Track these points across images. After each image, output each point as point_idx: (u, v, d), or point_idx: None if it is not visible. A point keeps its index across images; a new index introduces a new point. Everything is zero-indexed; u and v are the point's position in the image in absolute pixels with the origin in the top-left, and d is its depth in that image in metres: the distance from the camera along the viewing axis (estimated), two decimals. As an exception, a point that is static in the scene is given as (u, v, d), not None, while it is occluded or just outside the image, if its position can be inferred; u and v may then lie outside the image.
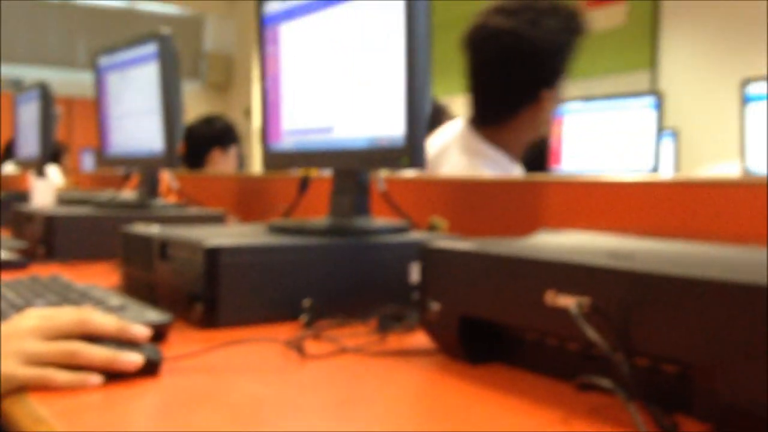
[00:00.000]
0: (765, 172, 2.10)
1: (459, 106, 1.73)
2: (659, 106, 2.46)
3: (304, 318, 0.88)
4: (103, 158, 1.89)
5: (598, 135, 2.68)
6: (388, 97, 0.94)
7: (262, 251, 0.91)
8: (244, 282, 0.89)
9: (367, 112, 0.99)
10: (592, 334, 0.55)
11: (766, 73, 2.29)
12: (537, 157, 3.55)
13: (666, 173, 3.43)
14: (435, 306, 0.73)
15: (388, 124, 0.95)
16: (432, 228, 1.14)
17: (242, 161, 3.27)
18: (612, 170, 2.62)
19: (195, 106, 7.66)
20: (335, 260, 0.95)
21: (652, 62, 6.55)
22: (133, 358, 0.66)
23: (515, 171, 1.51)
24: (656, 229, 1.01)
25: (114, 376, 0.65)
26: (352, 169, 1.04)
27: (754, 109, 2.09)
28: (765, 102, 2.06)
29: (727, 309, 0.50)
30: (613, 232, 0.77)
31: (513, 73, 1.42)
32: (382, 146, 0.96)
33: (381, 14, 0.95)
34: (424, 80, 0.92)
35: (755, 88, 2.09)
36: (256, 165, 6.70)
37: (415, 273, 0.95)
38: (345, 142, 1.03)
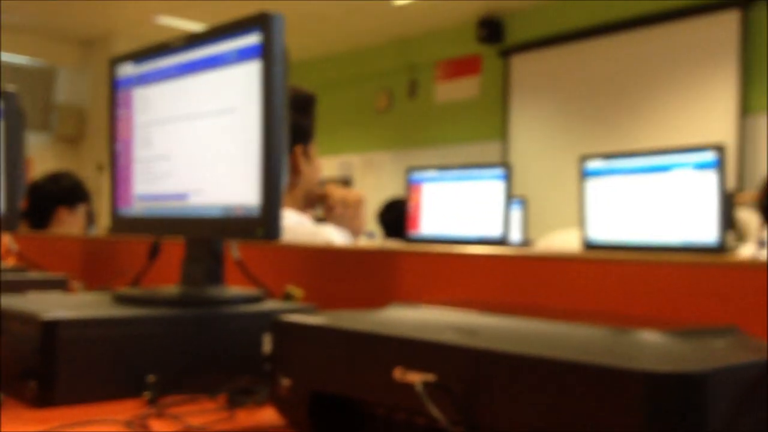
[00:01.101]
0: (602, 241, 2.25)
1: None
2: (507, 177, 2.60)
3: (147, 395, 0.84)
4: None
5: (453, 202, 2.80)
6: (243, 165, 0.94)
7: (105, 324, 0.86)
8: (84, 357, 0.84)
9: (222, 180, 0.98)
10: (434, 411, 0.56)
11: (601, 151, 2.48)
12: (396, 221, 3.65)
13: (514, 239, 3.59)
14: (285, 381, 0.72)
15: (243, 194, 0.94)
16: (287, 297, 1.13)
17: (93, 219, 3.13)
18: (466, 236, 2.73)
19: (45, 159, 7.31)
20: (185, 332, 0.91)
21: (503, 134, 6.93)
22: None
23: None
24: (506, 299, 1.05)
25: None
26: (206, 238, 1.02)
27: (592, 184, 2.24)
28: (600, 177, 2.23)
29: (562, 386, 0.52)
30: (463, 305, 0.79)
31: None
32: (237, 216, 0.95)
33: (237, 81, 0.95)
34: (280, 149, 0.92)
35: (592, 164, 2.25)
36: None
37: (268, 344, 0.93)
38: (199, 210, 1.01)
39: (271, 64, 0.90)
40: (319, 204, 1.72)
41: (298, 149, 1.64)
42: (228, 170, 0.97)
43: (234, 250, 1.08)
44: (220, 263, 1.03)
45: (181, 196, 1.04)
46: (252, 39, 0.92)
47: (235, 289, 1.04)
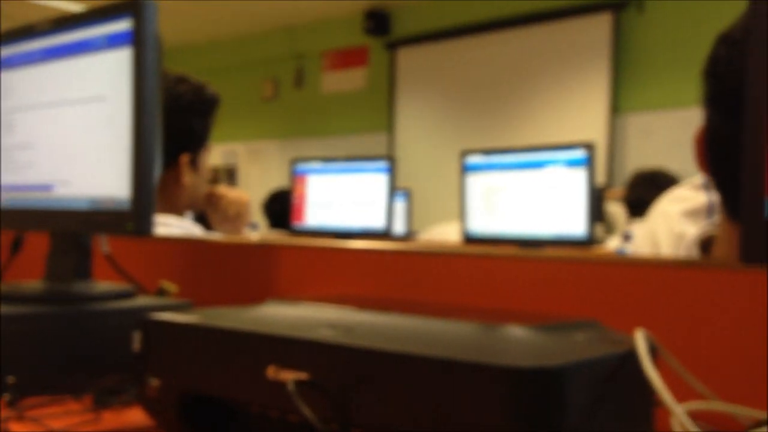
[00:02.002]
0: (480, 234, 2.32)
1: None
2: (391, 170, 2.63)
3: (6, 396, 0.79)
4: None
5: (338, 194, 2.81)
6: (113, 157, 0.90)
7: (-42, 323, 0.81)
8: (-66, 359, 0.79)
9: (90, 171, 0.93)
10: (306, 410, 0.56)
11: (483, 145, 2.55)
12: (281, 212, 3.62)
13: (398, 231, 3.64)
14: (154, 382, 0.70)
15: (113, 186, 0.90)
16: (161, 293, 1.10)
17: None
18: (350, 227, 2.74)
19: None
20: (49, 330, 0.87)
21: (389, 126, 7.00)
22: None
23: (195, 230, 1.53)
24: (386, 294, 1.06)
25: None
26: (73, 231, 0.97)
27: (472, 178, 2.30)
28: (480, 172, 2.29)
29: (430, 382, 0.53)
30: (341, 301, 0.79)
31: None
32: (106, 209, 0.91)
33: (106, 68, 0.91)
34: (152, 140, 0.89)
35: (472, 159, 2.31)
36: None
37: (138, 342, 0.90)
38: (65, 203, 0.96)
39: (143, 51, 0.87)
40: (206, 204, 1.67)
41: (184, 159, 1.51)
42: (96, 161, 0.93)
43: (103, 244, 1.04)
44: (87, 258, 0.99)
45: (46, 188, 0.99)
46: (123, 25, 0.89)
47: (104, 284, 1.00)
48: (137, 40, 0.88)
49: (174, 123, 1.47)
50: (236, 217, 1.67)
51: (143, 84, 0.87)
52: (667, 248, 1.13)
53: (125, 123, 0.88)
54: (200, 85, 1.55)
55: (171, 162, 1.50)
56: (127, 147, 0.88)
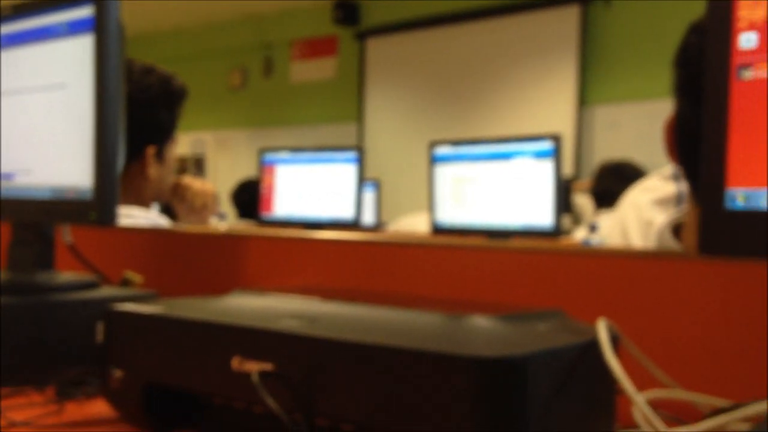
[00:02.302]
0: (449, 224, 2.32)
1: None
2: (360, 160, 2.63)
3: (-34, 390, 0.78)
4: None
5: (307, 184, 2.80)
6: (75, 145, 0.89)
7: None
8: None
9: (52, 160, 0.92)
10: (270, 401, 0.56)
11: (452, 136, 2.55)
12: (249, 202, 3.60)
13: (367, 222, 3.64)
14: (117, 373, 0.69)
15: (75, 175, 0.89)
16: (125, 284, 1.08)
17: None
18: (319, 218, 2.74)
19: None
20: (10, 321, 0.86)
21: (359, 116, 6.98)
22: None
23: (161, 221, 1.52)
24: (353, 285, 1.06)
25: None
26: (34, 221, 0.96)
27: (440, 169, 2.31)
28: (448, 163, 2.30)
29: (395, 373, 0.53)
30: (307, 292, 0.79)
31: None
32: (69, 198, 0.90)
33: (68, 55, 0.89)
34: (115, 128, 0.87)
35: (441, 150, 2.31)
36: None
37: (102, 333, 0.89)
38: (26, 192, 0.94)
39: (105, 39, 0.85)
40: (172, 195, 1.65)
41: (150, 150, 1.49)
42: (59, 150, 0.91)
43: (66, 234, 1.03)
44: (50, 248, 0.97)
45: (7, 176, 0.97)
46: (84, 12, 0.87)
47: (66, 275, 0.98)
48: (99, 26, 0.86)
49: (140, 115, 1.45)
50: (202, 208, 1.66)
51: (106, 72, 0.86)
52: (637, 237, 1.15)
53: (88, 111, 0.87)
54: (168, 77, 1.53)
55: (137, 154, 1.48)
56: (89, 136, 0.87)
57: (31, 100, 0.94)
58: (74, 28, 0.89)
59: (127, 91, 1.42)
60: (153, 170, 1.50)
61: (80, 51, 0.88)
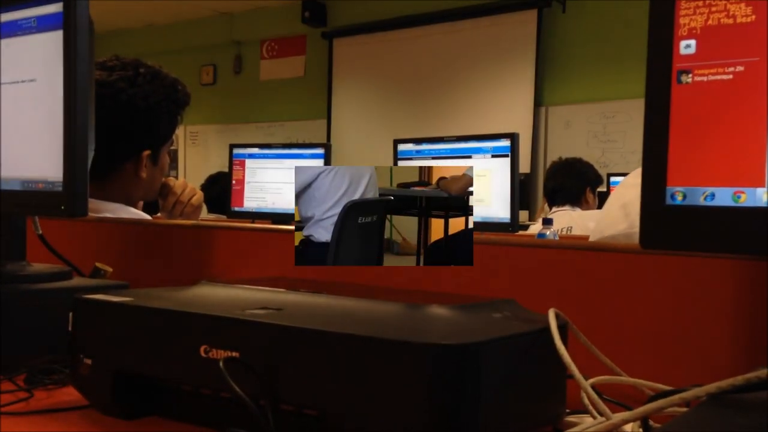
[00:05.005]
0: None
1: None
2: (326, 157, 2.67)
3: (-64, 378, 0.79)
4: None
5: (275, 178, 2.84)
6: (45, 139, 0.90)
7: None
8: None
9: (22, 153, 0.93)
10: (235, 388, 0.58)
11: (412, 135, 2.61)
12: (219, 196, 3.60)
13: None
14: (86, 361, 0.71)
15: (45, 168, 0.90)
16: (95, 274, 1.10)
17: None
18: (287, 211, 2.77)
19: None
20: (-21, 312, 0.87)
21: (328, 113, 7.01)
22: None
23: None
24: (317, 277, 1.08)
25: None
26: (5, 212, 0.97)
27: (404, 165, 2.35)
28: (412, 160, 2.34)
29: (355, 360, 0.56)
30: (272, 283, 0.81)
31: (110, 126, 1.42)
32: (38, 190, 0.91)
33: (37, 51, 0.90)
34: (85, 121, 0.88)
35: (404, 147, 2.36)
36: None
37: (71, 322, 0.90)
38: (-5, 184, 0.95)
39: (74, 34, 0.86)
40: (159, 195, 1.64)
41: (146, 153, 1.49)
42: (29, 143, 0.92)
43: (36, 226, 1.04)
44: (20, 239, 0.98)
45: (-23, 169, 0.98)
46: (53, 7, 0.88)
47: (37, 265, 0.99)
48: (68, 22, 0.87)
49: (142, 121, 1.47)
50: (180, 216, 1.66)
51: (74, 67, 0.87)
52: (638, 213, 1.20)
53: (58, 106, 0.88)
54: (173, 84, 1.53)
55: (133, 156, 1.49)
56: (59, 129, 0.88)
57: (2, 94, 0.95)
58: (43, 24, 0.90)
59: (130, 96, 1.44)
60: (146, 172, 1.51)
61: (50, 46, 0.89)
